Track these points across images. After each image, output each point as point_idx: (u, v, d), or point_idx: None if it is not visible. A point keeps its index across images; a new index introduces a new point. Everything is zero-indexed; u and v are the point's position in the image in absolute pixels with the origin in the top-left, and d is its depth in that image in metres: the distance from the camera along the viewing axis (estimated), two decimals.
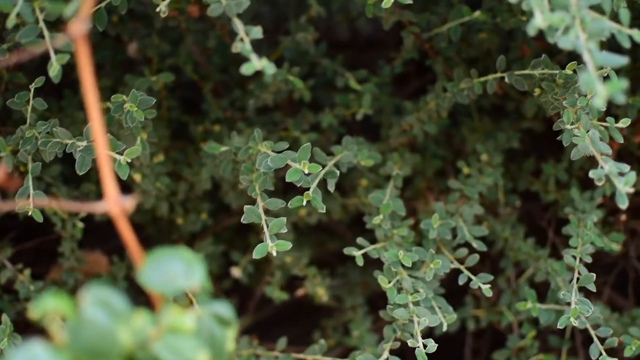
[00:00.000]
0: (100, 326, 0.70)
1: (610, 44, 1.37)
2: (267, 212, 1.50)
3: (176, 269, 0.74)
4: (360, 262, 1.61)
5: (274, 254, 1.45)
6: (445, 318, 1.61)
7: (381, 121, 1.99)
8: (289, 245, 1.46)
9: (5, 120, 1.77)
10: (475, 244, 1.72)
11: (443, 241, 1.73)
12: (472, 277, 1.64)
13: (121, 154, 1.40)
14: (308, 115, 1.96)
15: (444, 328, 1.61)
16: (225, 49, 1.99)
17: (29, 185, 1.49)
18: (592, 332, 1.62)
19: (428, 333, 1.74)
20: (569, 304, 1.57)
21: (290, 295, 2.06)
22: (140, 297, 1.76)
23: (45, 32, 1.29)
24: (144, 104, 1.48)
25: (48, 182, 1.80)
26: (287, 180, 1.47)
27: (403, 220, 1.73)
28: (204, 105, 2.00)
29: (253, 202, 1.53)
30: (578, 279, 1.59)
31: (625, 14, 1.18)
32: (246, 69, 1.19)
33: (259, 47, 1.61)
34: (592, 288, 1.58)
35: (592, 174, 1.31)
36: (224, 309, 0.78)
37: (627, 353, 1.66)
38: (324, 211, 1.53)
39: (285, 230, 1.47)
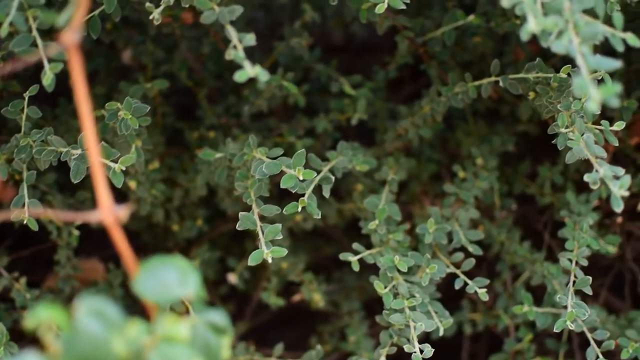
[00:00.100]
0: (95, 336, 0.70)
1: (604, 48, 1.37)
2: (262, 218, 1.50)
3: (171, 278, 0.74)
4: (356, 267, 1.61)
5: (270, 260, 1.45)
6: (441, 323, 1.60)
7: (376, 126, 1.99)
8: (284, 251, 1.45)
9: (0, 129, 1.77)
10: (471, 248, 1.72)
11: (439, 245, 1.73)
12: (468, 281, 1.64)
13: (116, 161, 1.40)
14: (303, 120, 1.96)
15: (441, 332, 1.61)
16: (220, 55, 1.99)
17: (24, 193, 1.49)
18: (589, 335, 1.62)
19: (425, 338, 1.74)
20: (565, 307, 1.57)
21: (287, 300, 2.06)
22: (137, 305, 1.76)
23: (39, 41, 1.29)
24: (138, 112, 1.48)
25: (43, 190, 1.80)
26: (282, 186, 1.47)
27: (399, 225, 1.73)
28: (198, 112, 2.00)
29: (248, 208, 1.52)
30: (574, 282, 1.59)
31: (618, 17, 1.18)
32: (239, 77, 1.19)
33: (252, 53, 1.61)
34: (589, 291, 1.58)
35: (587, 177, 1.31)
36: (219, 317, 0.78)
37: (624, 356, 1.66)
38: (320, 217, 1.53)
39: (280, 237, 1.47)
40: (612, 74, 1.48)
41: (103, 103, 1.53)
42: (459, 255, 1.69)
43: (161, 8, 1.40)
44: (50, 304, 0.70)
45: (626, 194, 1.27)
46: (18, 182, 1.57)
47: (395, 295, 1.60)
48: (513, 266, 1.97)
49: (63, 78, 1.35)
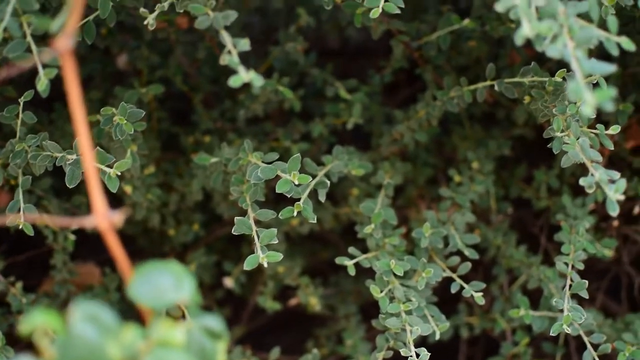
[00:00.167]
0: (90, 341, 0.70)
1: (600, 51, 1.37)
2: (258, 223, 1.50)
3: (165, 283, 0.74)
4: (352, 271, 1.61)
5: (265, 265, 1.45)
6: (438, 326, 1.60)
7: (372, 130, 1.99)
8: (280, 256, 1.45)
9: None
10: (467, 252, 1.72)
11: (435, 249, 1.73)
12: (465, 285, 1.64)
13: (111, 166, 1.40)
14: (298, 125, 1.96)
15: (437, 336, 1.61)
16: (215, 60, 1.99)
17: (19, 198, 1.49)
18: (586, 339, 1.62)
19: (421, 341, 1.74)
20: (561, 310, 1.57)
21: (283, 304, 2.06)
22: (133, 309, 1.76)
23: (33, 47, 1.29)
24: (133, 117, 1.48)
25: (39, 195, 1.80)
26: (277, 191, 1.47)
27: (395, 229, 1.73)
28: (194, 117, 2.00)
29: (244, 213, 1.52)
30: (571, 285, 1.59)
31: (613, 21, 1.18)
32: (234, 82, 1.19)
33: (247, 58, 1.61)
34: (585, 295, 1.58)
35: (582, 181, 1.31)
36: (215, 322, 0.78)
37: (621, 359, 1.66)
38: (315, 221, 1.53)
39: (276, 241, 1.47)
40: (608, 78, 1.48)
41: (98, 108, 1.53)
42: (455, 259, 1.69)
43: (156, 13, 1.40)
44: (45, 309, 0.70)
45: (622, 198, 1.27)
46: (13, 187, 1.57)
47: (392, 299, 1.60)
48: (509, 270, 1.97)
49: (58, 83, 1.34)
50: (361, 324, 2.04)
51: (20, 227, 1.48)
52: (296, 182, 1.47)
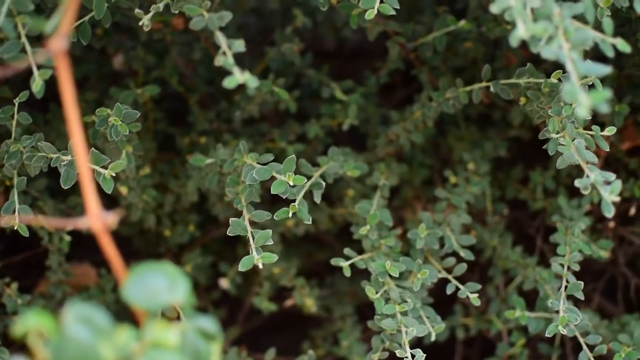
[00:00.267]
0: (83, 343, 0.70)
1: (595, 53, 1.37)
2: (253, 224, 1.50)
3: (159, 284, 0.74)
4: (347, 273, 1.61)
5: (260, 266, 1.45)
6: (433, 327, 1.60)
7: (368, 131, 1.99)
8: (275, 257, 1.45)
9: None
10: (463, 253, 1.72)
11: (431, 251, 1.73)
12: (460, 286, 1.63)
13: (106, 167, 1.40)
14: (294, 126, 1.96)
15: (433, 338, 1.61)
16: (211, 61, 1.98)
17: (14, 199, 1.48)
18: (582, 340, 1.62)
19: (417, 342, 1.74)
20: (557, 312, 1.57)
21: (279, 305, 2.06)
22: (129, 310, 1.76)
23: (28, 48, 1.29)
24: (128, 118, 1.48)
25: (34, 195, 1.79)
26: (272, 192, 1.47)
27: (390, 230, 1.73)
28: (190, 117, 2.00)
29: (239, 214, 1.52)
30: (566, 286, 1.59)
31: (608, 23, 1.18)
32: (228, 83, 1.19)
33: (243, 59, 1.60)
34: (580, 296, 1.58)
35: (577, 183, 1.31)
36: (209, 323, 0.78)
37: None
38: (310, 222, 1.53)
39: (271, 242, 1.47)
40: (603, 79, 1.48)
41: (94, 109, 1.53)
42: (451, 260, 1.69)
43: (151, 14, 1.40)
44: (40, 310, 0.70)
45: (617, 199, 1.27)
46: (8, 188, 1.57)
47: (387, 300, 1.60)
48: (505, 271, 1.97)
49: (54, 84, 1.34)
50: (357, 325, 2.04)
51: (16, 228, 1.47)
52: (291, 183, 1.47)
